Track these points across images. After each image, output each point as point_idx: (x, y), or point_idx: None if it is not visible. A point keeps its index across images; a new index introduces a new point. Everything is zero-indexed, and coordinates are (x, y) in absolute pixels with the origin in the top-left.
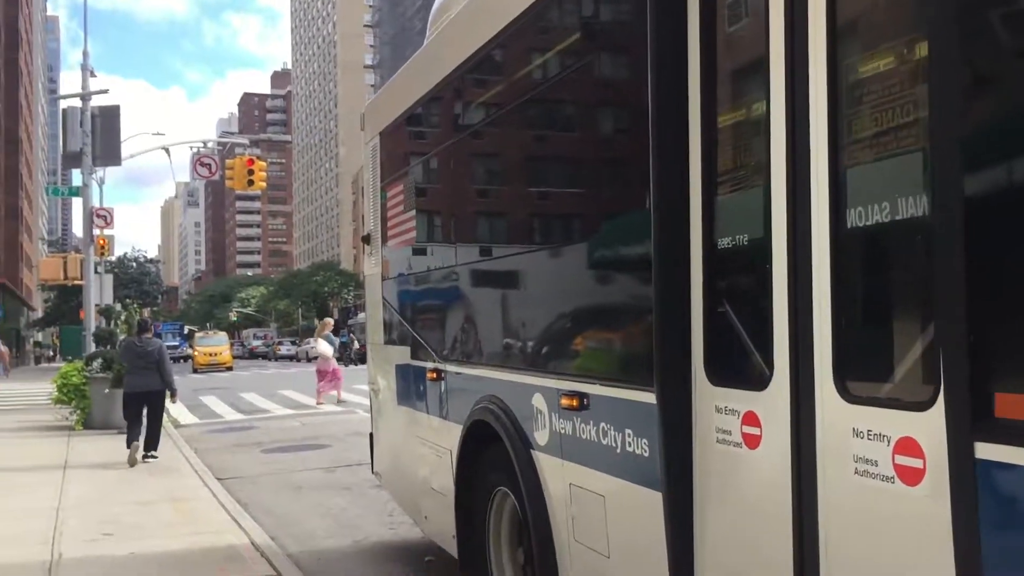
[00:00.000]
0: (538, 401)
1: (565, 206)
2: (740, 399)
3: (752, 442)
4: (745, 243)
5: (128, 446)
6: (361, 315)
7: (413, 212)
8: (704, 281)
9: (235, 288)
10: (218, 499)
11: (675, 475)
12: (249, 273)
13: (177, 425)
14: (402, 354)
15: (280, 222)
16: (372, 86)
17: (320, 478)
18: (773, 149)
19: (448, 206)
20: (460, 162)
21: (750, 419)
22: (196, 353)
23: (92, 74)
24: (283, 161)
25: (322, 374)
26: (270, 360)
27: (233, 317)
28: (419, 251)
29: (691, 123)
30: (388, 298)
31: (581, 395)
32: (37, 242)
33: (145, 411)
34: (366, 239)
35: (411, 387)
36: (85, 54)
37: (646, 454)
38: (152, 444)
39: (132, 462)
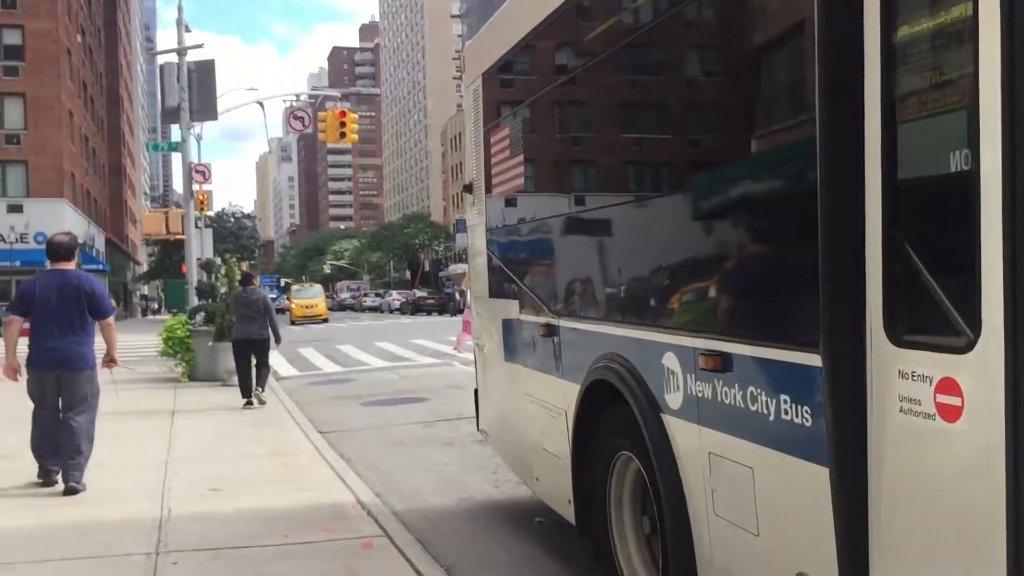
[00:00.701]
0: (670, 361)
1: (709, 139)
2: (934, 363)
3: (950, 414)
4: (943, 169)
5: (243, 395)
6: (452, 267)
7: (521, 157)
8: (884, 218)
9: (328, 241)
10: (321, 454)
11: (847, 449)
12: (341, 226)
13: (278, 377)
14: (509, 308)
15: (371, 175)
16: (460, 35)
17: (421, 432)
18: (983, 49)
19: (563, 148)
20: (579, 98)
21: (947, 387)
22: (293, 305)
23: (187, 29)
24: (373, 114)
25: (467, 324)
26: (356, 311)
27: (327, 270)
28: (528, 198)
29: (867, 19)
30: (493, 249)
31: (724, 355)
32: (140, 198)
33: (253, 358)
34: (468, 188)
35: (520, 343)
36: (180, 9)
37: (807, 423)
38: (259, 385)
39: (253, 403)
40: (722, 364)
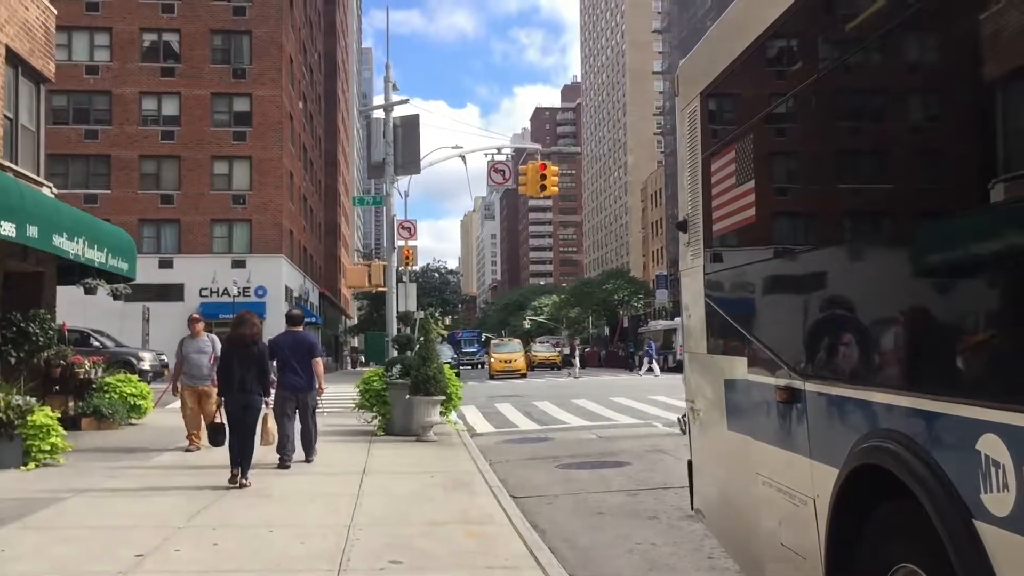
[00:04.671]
0: (992, 447)
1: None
2: None
3: None
4: None
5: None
6: (652, 323)
7: (752, 184)
8: None
9: (528, 297)
10: (513, 523)
11: None
12: (541, 282)
13: (473, 434)
14: (734, 366)
15: (570, 232)
16: (661, 92)
17: (622, 502)
18: None
19: (818, 171)
20: (849, 93)
21: None
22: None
23: (394, 88)
24: (573, 172)
25: None
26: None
27: (527, 325)
28: (765, 233)
29: None
30: (713, 295)
31: None
32: (353, 254)
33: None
34: (681, 226)
35: (748, 409)
36: (387, 67)
37: None
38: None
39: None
40: None
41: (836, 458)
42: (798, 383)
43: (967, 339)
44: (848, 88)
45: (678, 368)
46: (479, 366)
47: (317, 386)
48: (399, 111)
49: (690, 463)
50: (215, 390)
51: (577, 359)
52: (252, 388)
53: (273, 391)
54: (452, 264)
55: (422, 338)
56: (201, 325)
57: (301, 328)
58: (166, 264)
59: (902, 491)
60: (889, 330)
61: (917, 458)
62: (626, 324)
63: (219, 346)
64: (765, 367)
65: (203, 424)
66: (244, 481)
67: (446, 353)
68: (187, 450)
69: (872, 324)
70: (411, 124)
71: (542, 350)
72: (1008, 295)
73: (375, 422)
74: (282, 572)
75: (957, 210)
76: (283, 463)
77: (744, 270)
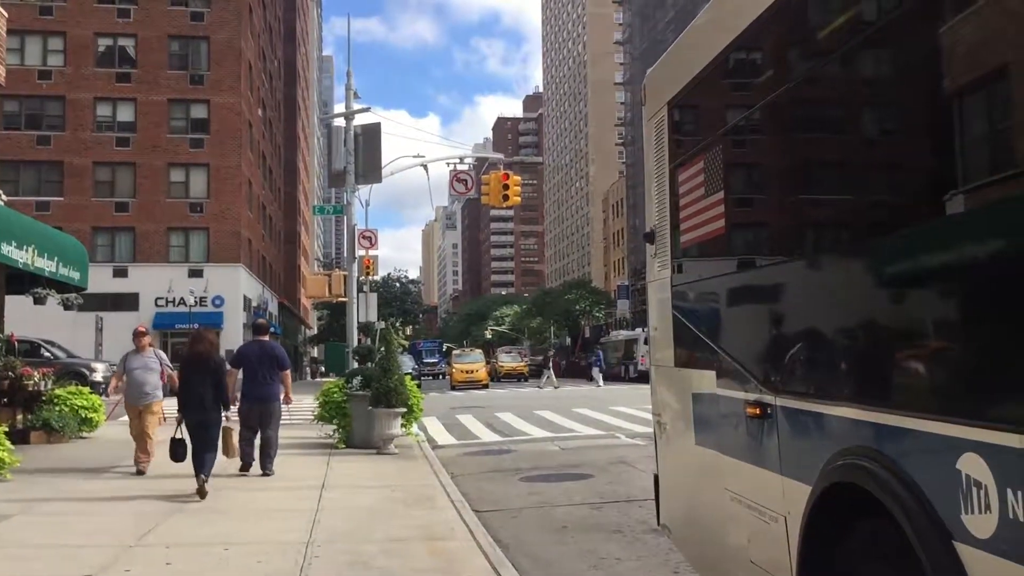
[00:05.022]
0: (972, 466)
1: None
2: None
3: None
4: None
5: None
6: (614, 333)
7: (721, 195)
8: None
9: (490, 306)
10: (476, 539)
11: None
12: (503, 292)
13: (435, 446)
14: (703, 379)
15: (532, 242)
16: (622, 103)
17: (586, 515)
18: None
19: (787, 182)
20: (820, 101)
21: None
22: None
23: (355, 95)
24: (535, 182)
25: None
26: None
27: (488, 335)
28: (734, 245)
29: None
30: (681, 307)
31: None
32: (313, 263)
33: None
34: (648, 237)
35: (717, 423)
36: (348, 75)
37: None
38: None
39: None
40: None
41: (808, 475)
42: (769, 398)
43: (947, 355)
44: (816, 100)
45: (640, 378)
46: (440, 376)
47: (284, 396)
48: (360, 119)
49: (656, 477)
50: (159, 406)
51: (551, 369)
52: (210, 405)
53: (238, 402)
54: (413, 274)
55: (383, 349)
56: (147, 339)
57: (267, 337)
58: (120, 273)
59: (879, 511)
60: (865, 345)
61: (895, 477)
62: (588, 334)
63: (166, 361)
64: (734, 381)
65: (149, 441)
66: (207, 488)
67: (407, 364)
68: (138, 472)
69: (847, 338)
70: (372, 132)
71: (508, 360)
72: (989, 309)
73: (335, 434)
74: None
75: (932, 222)
76: (244, 467)
77: (712, 282)
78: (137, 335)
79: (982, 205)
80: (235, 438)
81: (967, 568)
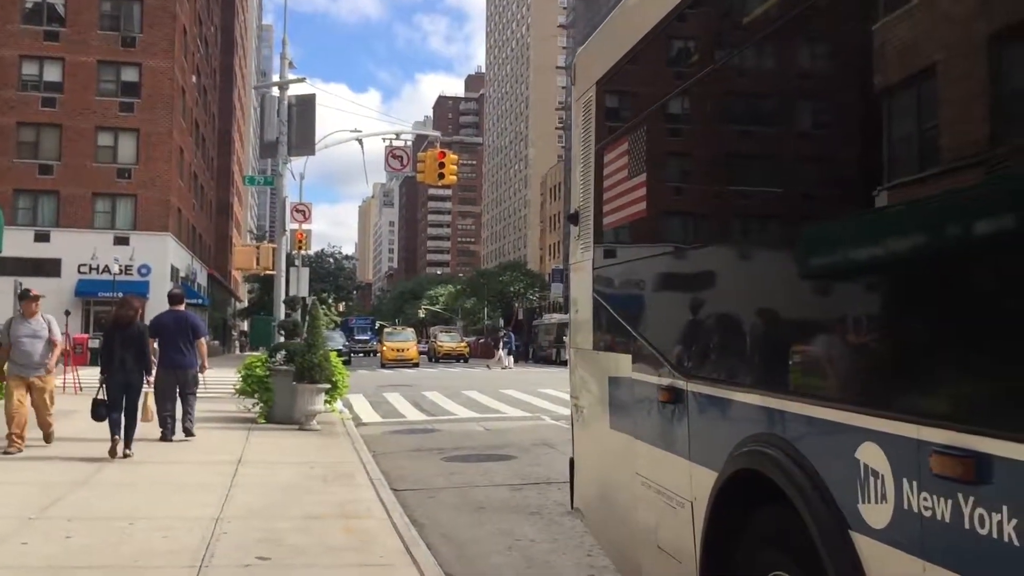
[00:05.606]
0: (871, 455)
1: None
2: None
3: None
4: None
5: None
6: (546, 316)
7: (643, 177)
8: None
9: (425, 286)
10: (392, 518)
11: None
12: (438, 272)
13: (359, 423)
14: (619, 363)
15: (469, 223)
16: (563, 87)
17: (505, 497)
18: None
19: (707, 167)
20: (744, 86)
21: None
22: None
23: (291, 64)
24: (474, 163)
25: None
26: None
27: (421, 314)
28: (654, 229)
29: None
30: (601, 291)
31: (978, 457)
32: (245, 235)
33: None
34: (573, 218)
35: (631, 407)
36: (284, 43)
37: None
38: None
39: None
40: (973, 471)
41: (715, 461)
42: (680, 383)
43: (849, 344)
44: (742, 83)
45: None
46: (372, 354)
47: (200, 364)
48: (295, 90)
49: (572, 461)
50: (51, 380)
51: (503, 349)
52: (131, 367)
53: (155, 369)
54: (348, 250)
55: (309, 323)
56: (37, 304)
57: (182, 307)
58: (42, 237)
59: (780, 497)
60: (771, 332)
61: (796, 464)
62: (521, 316)
63: (57, 329)
64: (649, 365)
65: (27, 422)
66: (128, 451)
67: (338, 340)
68: (6, 452)
69: (755, 325)
70: (307, 104)
71: (448, 340)
72: (891, 302)
73: (256, 409)
74: (137, 570)
75: (843, 213)
76: (164, 437)
77: (632, 266)
78: (28, 298)
79: (895, 202)
80: (151, 402)
81: (861, 557)
